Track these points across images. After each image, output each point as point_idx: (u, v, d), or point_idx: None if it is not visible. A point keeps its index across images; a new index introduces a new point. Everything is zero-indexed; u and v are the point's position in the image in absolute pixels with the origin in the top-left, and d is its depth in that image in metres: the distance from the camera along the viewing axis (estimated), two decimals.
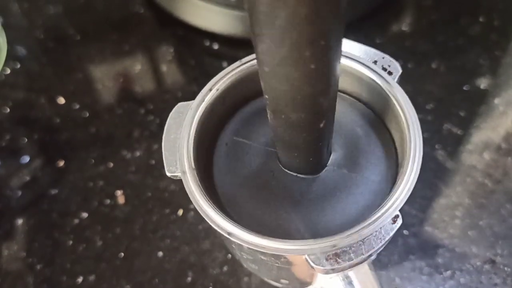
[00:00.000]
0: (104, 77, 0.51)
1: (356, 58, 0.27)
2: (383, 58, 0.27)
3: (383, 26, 0.52)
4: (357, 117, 0.28)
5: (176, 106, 0.28)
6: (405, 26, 0.52)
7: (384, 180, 0.26)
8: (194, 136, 0.26)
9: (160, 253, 0.40)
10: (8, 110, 0.49)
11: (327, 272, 0.22)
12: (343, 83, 0.28)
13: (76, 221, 0.42)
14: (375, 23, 0.52)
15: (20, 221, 0.42)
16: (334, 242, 0.22)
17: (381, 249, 0.23)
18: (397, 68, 0.27)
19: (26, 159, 0.46)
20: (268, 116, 0.22)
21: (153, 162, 0.45)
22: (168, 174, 0.25)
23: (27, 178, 0.45)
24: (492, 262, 0.38)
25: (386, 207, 0.22)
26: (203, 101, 0.27)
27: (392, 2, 0.54)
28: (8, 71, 0.52)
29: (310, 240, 0.22)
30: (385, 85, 0.26)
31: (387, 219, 0.22)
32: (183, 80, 0.51)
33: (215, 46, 0.52)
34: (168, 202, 0.42)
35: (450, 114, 0.46)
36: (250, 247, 0.22)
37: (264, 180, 0.26)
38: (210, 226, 0.41)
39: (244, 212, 0.26)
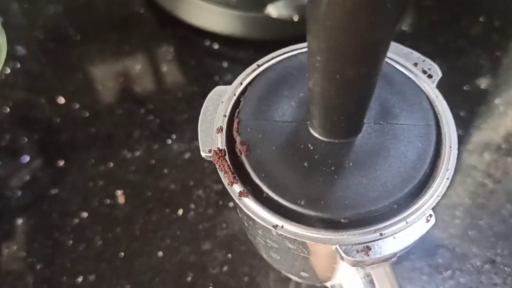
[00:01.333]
0: (104, 77, 0.51)
1: (396, 59, 0.27)
2: (423, 61, 0.27)
3: None
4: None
5: (214, 89, 0.28)
6: (405, 26, 0.52)
7: (426, 122, 0.25)
8: (228, 119, 0.26)
9: (160, 253, 0.40)
10: (8, 110, 0.49)
11: (355, 265, 0.23)
12: None
13: (76, 221, 0.42)
14: None
15: (20, 221, 0.42)
16: (365, 237, 0.22)
17: (411, 247, 0.23)
18: (437, 71, 0.27)
19: (26, 159, 0.46)
20: (312, 82, 0.21)
21: (153, 162, 0.45)
22: (202, 154, 0.25)
23: (27, 178, 0.45)
24: (492, 262, 0.38)
25: (425, 198, 0.23)
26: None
27: None
28: (8, 71, 0.52)
29: (341, 231, 0.22)
30: (424, 89, 0.26)
31: (422, 215, 0.22)
32: (184, 80, 0.51)
33: (216, 46, 0.52)
34: (168, 202, 0.42)
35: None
36: (287, 235, 0.22)
37: (301, 153, 0.25)
38: (210, 226, 0.41)
39: (283, 187, 0.24)
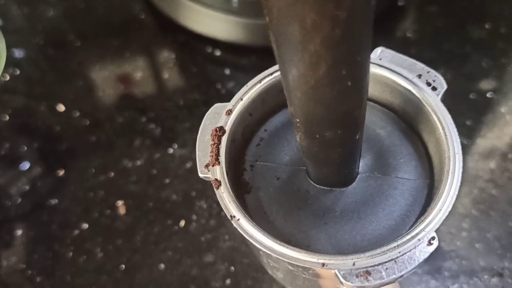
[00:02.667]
0: (105, 84, 0.50)
1: (399, 71, 0.26)
2: (427, 72, 0.26)
3: (388, 33, 0.52)
4: (376, 119, 0.28)
5: (212, 106, 0.27)
6: (410, 33, 0.51)
7: (419, 177, 0.26)
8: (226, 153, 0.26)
9: (162, 266, 0.39)
10: (8, 117, 0.48)
11: None
12: (376, 91, 0.28)
13: (77, 232, 0.41)
14: (379, 30, 0.51)
15: (19, 232, 0.42)
16: (364, 261, 0.21)
17: (413, 270, 0.22)
18: (442, 83, 0.26)
19: (25, 167, 0.46)
20: (298, 137, 0.22)
21: (154, 171, 0.44)
22: (200, 175, 0.25)
23: (27, 188, 0.44)
24: (500, 275, 0.37)
25: (423, 225, 0.22)
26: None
27: (396, 8, 0.53)
28: (8, 77, 0.51)
29: (342, 255, 0.22)
30: (426, 101, 0.25)
31: (423, 238, 0.22)
32: (185, 87, 0.50)
33: (217, 53, 0.51)
34: (170, 213, 0.42)
35: (456, 123, 0.45)
36: (282, 258, 0.22)
37: (297, 199, 0.26)
38: (213, 237, 0.40)
39: (275, 231, 0.25)
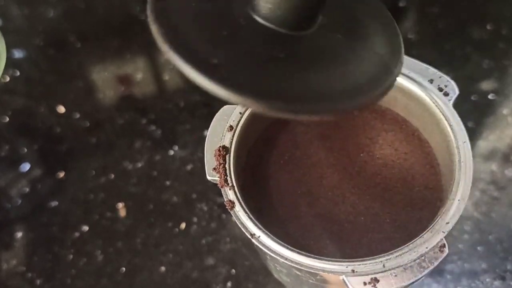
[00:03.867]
0: (105, 85, 0.50)
1: (411, 76, 0.26)
2: (440, 77, 0.26)
3: None
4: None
5: (221, 109, 0.28)
6: (411, 34, 0.51)
7: (389, 54, 0.21)
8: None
9: (163, 268, 0.39)
10: (8, 119, 0.48)
11: None
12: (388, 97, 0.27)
13: (77, 234, 0.41)
14: None
15: (19, 234, 0.42)
16: (371, 268, 0.21)
17: (423, 278, 0.22)
18: (454, 89, 0.26)
19: (25, 169, 0.45)
20: None
21: (155, 173, 0.44)
22: (208, 177, 0.26)
23: (27, 190, 0.44)
24: (502, 278, 0.37)
25: (434, 230, 0.22)
26: None
27: (397, 9, 0.53)
28: (8, 78, 0.51)
29: (351, 261, 0.22)
30: (438, 106, 0.25)
31: (433, 243, 0.21)
32: (186, 88, 0.50)
33: None
34: (171, 215, 0.42)
35: None
36: (305, 269, 0.22)
37: (231, 31, 0.19)
38: (214, 240, 0.40)
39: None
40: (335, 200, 0.27)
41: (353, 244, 0.25)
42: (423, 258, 0.21)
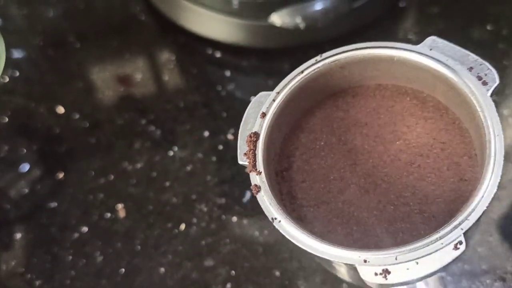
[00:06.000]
0: (104, 85, 0.50)
1: (448, 63, 0.25)
2: (480, 65, 0.25)
3: (389, 35, 0.51)
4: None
5: (257, 95, 0.28)
6: (411, 34, 0.51)
7: None
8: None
9: (162, 269, 0.39)
10: (7, 119, 0.48)
11: (375, 286, 0.22)
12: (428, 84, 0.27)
13: (76, 235, 0.41)
14: (380, 31, 0.51)
15: (18, 235, 0.42)
16: (383, 260, 0.21)
17: (437, 273, 0.21)
18: (494, 78, 0.25)
19: (24, 170, 0.45)
20: None
21: (154, 174, 0.44)
22: (240, 162, 0.26)
23: (26, 190, 0.44)
24: (503, 280, 0.37)
25: (452, 225, 0.21)
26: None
27: (398, 9, 0.53)
28: (7, 78, 0.51)
29: (364, 251, 0.22)
30: (475, 96, 0.24)
31: (449, 240, 0.21)
32: (185, 89, 0.50)
33: (218, 54, 0.51)
34: (170, 216, 0.42)
35: None
36: (323, 256, 0.23)
37: None
38: (213, 241, 0.40)
39: None
40: (366, 188, 0.26)
41: (379, 232, 0.25)
42: (437, 254, 0.21)
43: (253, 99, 0.28)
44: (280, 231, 0.24)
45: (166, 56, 0.52)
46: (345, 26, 0.48)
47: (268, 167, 0.26)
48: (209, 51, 0.51)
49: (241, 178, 0.43)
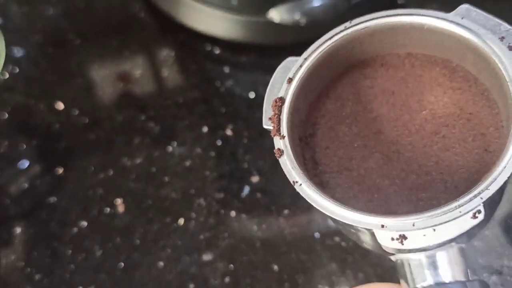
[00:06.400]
0: (104, 82, 0.50)
1: (479, 32, 0.24)
2: None
3: None
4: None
5: (285, 60, 0.28)
6: None
7: None
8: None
9: (161, 264, 0.39)
10: (6, 116, 0.48)
11: (392, 251, 0.22)
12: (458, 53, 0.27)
13: (75, 230, 0.41)
14: None
15: (18, 230, 0.42)
16: (400, 224, 0.21)
17: (455, 242, 0.22)
18: None
19: (24, 166, 0.46)
20: None
21: (154, 169, 0.44)
22: (264, 126, 0.26)
23: (26, 186, 0.44)
24: (499, 273, 0.37)
25: (472, 194, 0.21)
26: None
27: (396, 6, 0.53)
28: (7, 75, 0.51)
29: (382, 216, 0.22)
30: (505, 68, 0.23)
31: (468, 208, 0.21)
32: (184, 85, 0.50)
33: (217, 51, 0.51)
34: (169, 211, 0.42)
35: None
36: (344, 221, 0.23)
37: None
38: (212, 235, 0.40)
39: None
40: (390, 156, 0.26)
41: (399, 201, 0.25)
42: (455, 221, 0.21)
43: (281, 64, 0.27)
44: (301, 194, 0.24)
45: (165, 53, 0.52)
46: (344, 22, 0.48)
47: (292, 132, 0.26)
48: (208, 48, 0.51)
49: (239, 173, 0.43)
